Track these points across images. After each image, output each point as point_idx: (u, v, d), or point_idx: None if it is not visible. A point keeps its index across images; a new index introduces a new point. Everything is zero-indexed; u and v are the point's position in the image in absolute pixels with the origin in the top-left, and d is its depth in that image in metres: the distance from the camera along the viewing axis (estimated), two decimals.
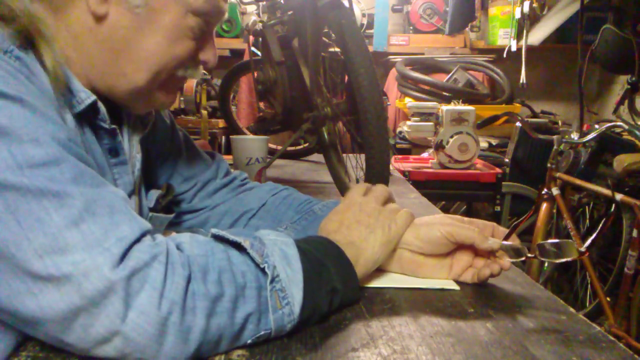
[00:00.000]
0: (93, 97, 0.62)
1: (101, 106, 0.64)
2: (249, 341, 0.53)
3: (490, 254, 0.72)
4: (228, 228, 0.88)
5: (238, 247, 0.55)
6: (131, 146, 0.74)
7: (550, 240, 0.68)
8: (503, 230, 0.75)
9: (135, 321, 0.47)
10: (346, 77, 1.19)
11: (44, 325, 0.48)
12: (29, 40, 0.58)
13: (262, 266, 0.54)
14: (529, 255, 0.70)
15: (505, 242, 0.72)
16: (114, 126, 0.66)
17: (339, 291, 0.60)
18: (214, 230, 0.58)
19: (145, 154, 0.79)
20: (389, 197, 0.76)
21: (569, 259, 0.67)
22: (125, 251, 0.49)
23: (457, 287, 0.72)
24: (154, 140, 0.83)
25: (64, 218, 0.48)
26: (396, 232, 0.71)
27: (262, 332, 0.53)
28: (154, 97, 0.70)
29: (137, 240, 0.50)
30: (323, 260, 0.60)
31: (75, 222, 0.48)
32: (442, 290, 0.71)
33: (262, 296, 0.53)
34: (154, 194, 0.79)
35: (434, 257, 0.73)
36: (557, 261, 0.67)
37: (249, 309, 0.52)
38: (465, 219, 0.74)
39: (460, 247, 0.72)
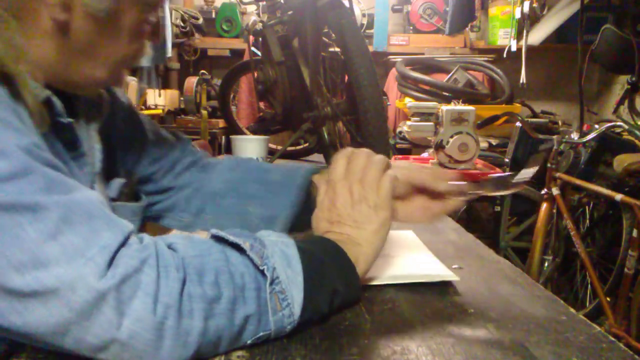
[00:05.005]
0: (46, 92, 0.59)
1: (56, 101, 0.60)
2: (248, 342, 0.53)
3: (442, 195, 0.78)
4: (197, 210, 0.86)
5: (238, 248, 0.55)
6: (89, 137, 0.71)
7: (495, 174, 0.70)
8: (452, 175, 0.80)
9: (131, 328, 0.47)
10: (346, 77, 1.19)
11: (37, 338, 0.47)
12: None
13: (261, 268, 0.53)
14: (477, 192, 0.75)
15: (453, 183, 0.75)
16: (70, 120, 0.63)
17: (340, 292, 0.60)
18: (213, 231, 0.57)
19: (107, 142, 0.76)
20: (367, 162, 0.72)
21: (511, 191, 0.69)
22: (110, 259, 0.47)
23: (457, 278, 0.72)
24: (114, 126, 0.80)
25: (40, 232, 0.46)
26: (384, 213, 0.69)
27: (262, 333, 0.53)
28: (107, 85, 0.71)
29: (122, 245, 0.49)
30: (325, 260, 0.60)
31: (53, 235, 0.46)
32: (443, 285, 0.71)
33: (262, 298, 0.53)
34: (116, 183, 0.76)
35: (397, 200, 0.76)
36: (500, 193, 0.70)
37: (249, 310, 0.52)
38: (419, 164, 0.75)
39: (417, 189, 0.78)
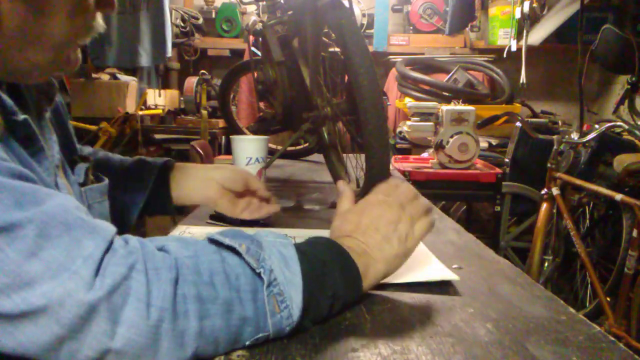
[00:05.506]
0: None
1: (6, 99, 0.56)
2: (247, 343, 0.53)
3: (265, 199, 0.97)
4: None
5: (234, 250, 0.54)
6: (43, 128, 0.66)
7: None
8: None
9: (126, 335, 0.46)
10: (346, 77, 1.19)
11: (31, 356, 0.47)
12: None
13: (258, 271, 0.53)
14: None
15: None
16: (24, 116, 0.58)
17: (340, 296, 0.60)
18: (209, 234, 0.57)
19: (62, 128, 0.73)
20: (414, 197, 0.73)
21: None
22: (96, 269, 0.46)
23: (457, 278, 0.73)
24: (65, 111, 0.77)
25: (19, 251, 0.45)
26: (412, 244, 0.69)
27: (260, 335, 0.53)
28: (57, 68, 0.63)
29: (106, 251, 0.48)
30: (328, 264, 0.59)
31: (33, 252, 0.45)
32: (443, 285, 0.71)
33: (259, 299, 0.52)
34: (81, 168, 0.74)
35: (230, 193, 0.93)
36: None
37: (245, 312, 0.52)
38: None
39: (250, 194, 0.96)
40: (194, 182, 0.93)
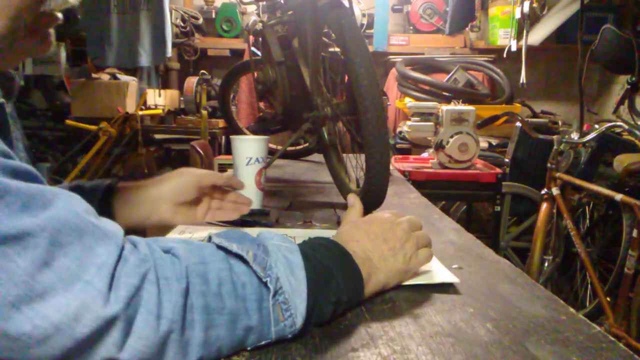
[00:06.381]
0: None
1: None
2: (248, 349, 0.53)
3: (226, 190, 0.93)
4: None
5: (241, 258, 0.54)
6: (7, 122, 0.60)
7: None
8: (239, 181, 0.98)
9: (135, 347, 0.45)
10: (346, 77, 1.19)
11: None
12: None
13: (264, 280, 0.53)
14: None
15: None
16: (2, 100, 0.53)
17: (343, 303, 0.60)
18: (216, 240, 0.56)
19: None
20: (420, 227, 0.76)
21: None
22: (110, 279, 0.44)
23: (457, 280, 0.73)
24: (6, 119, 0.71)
25: (31, 261, 0.42)
26: (414, 266, 0.71)
27: (263, 342, 0.53)
28: (24, 46, 0.57)
29: (119, 259, 0.46)
30: (332, 270, 0.59)
31: (45, 262, 0.42)
32: (443, 284, 0.72)
33: (264, 308, 0.52)
34: (44, 168, 0.71)
35: (186, 204, 0.87)
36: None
37: (250, 322, 0.51)
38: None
39: (207, 193, 0.90)
40: (142, 207, 0.86)
